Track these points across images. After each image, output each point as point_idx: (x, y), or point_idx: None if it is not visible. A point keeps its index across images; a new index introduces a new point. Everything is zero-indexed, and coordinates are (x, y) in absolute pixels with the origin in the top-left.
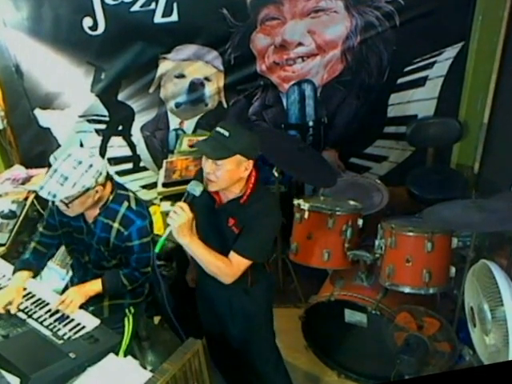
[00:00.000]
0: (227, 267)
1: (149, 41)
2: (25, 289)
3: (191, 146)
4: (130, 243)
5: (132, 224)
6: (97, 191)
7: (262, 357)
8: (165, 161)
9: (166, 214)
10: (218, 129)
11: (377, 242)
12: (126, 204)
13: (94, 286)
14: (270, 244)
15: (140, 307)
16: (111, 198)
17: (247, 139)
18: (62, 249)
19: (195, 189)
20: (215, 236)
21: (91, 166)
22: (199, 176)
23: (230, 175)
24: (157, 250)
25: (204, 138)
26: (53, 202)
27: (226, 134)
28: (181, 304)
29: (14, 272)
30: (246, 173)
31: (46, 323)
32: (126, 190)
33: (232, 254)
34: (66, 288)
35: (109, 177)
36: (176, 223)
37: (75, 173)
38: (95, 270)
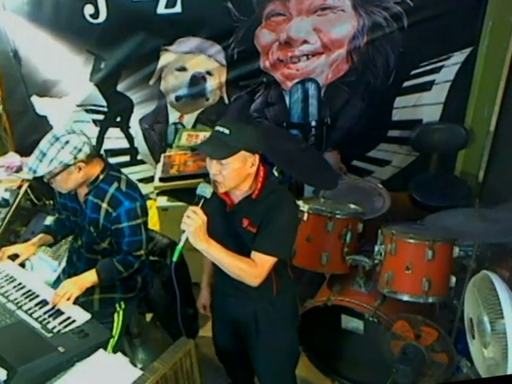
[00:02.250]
0: (251, 268)
1: (151, 31)
2: (22, 263)
3: (192, 149)
4: (120, 225)
5: (120, 205)
6: (79, 168)
7: (281, 374)
8: (163, 155)
9: (161, 209)
10: (218, 128)
11: (376, 248)
12: (115, 185)
13: (90, 277)
14: (291, 238)
15: (132, 303)
16: (102, 177)
17: (249, 134)
18: None
19: (205, 191)
20: (231, 241)
21: (67, 142)
22: (207, 178)
23: (237, 173)
24: (174, 258)
25: (204, 139)
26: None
27: (227, 131)
28: (174, 302)
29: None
30: (253, 168)
31: (35, 315)
32: (120, 172)
33: (254, 254)
34: (57, 280)
35: (97, 155)
36: (191, 227)
37: (52, 149)
38: (87, 254)
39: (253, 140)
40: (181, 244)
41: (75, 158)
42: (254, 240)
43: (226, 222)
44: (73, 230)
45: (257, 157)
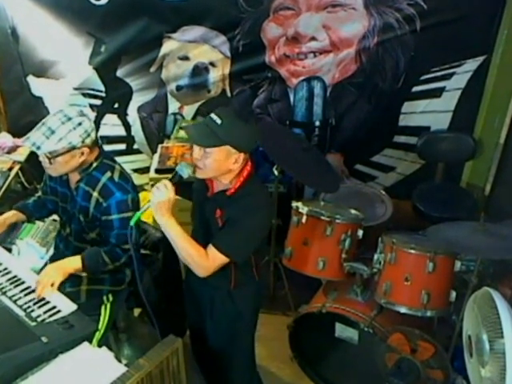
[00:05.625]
0: (201, 258)
1: (154, 17)
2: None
3: (181, 128)
4: (109, 217)
5: (111, 196)
6: (82, 153)
7: (235, 363)
8: (160, 145)
9: None
10: (212, 115)
11: (376, 256)
12: (108, 174)
13: (74, 263)
14: (251, 245)
15: (120, 296)
16: (95, 165)
17: (240, 131)
18: (44, 226)
19: (184, 170)
20: (203, 225)
21: (80, 124)
22: None
23: (217, 165)
24: (132, 222)
25: (196, 122)
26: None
27: (219, 121)
28: (164, 298)
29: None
30: (235, 165)
31: (20, 302)
32: (114, 161)
33: (209, 246)
34: (44, 267)
35: (97, 143)
36: (156, 199)
37: (63, 128)
38: (76, 242)
39: (242, 138)
40: (141, 210)
41: (83, 141)
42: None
43: (205, 207)
44: (50, 213)
45: (242, 155)
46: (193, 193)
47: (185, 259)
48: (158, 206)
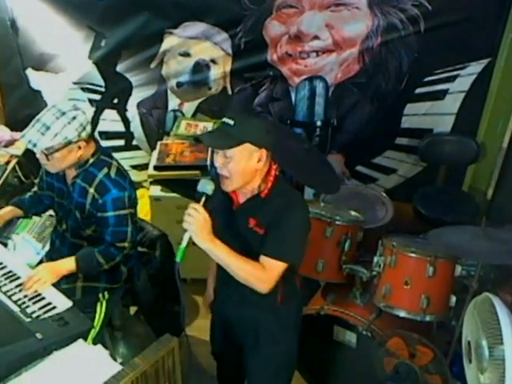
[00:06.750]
0: (261, 272)
1: (156, 12)
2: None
3: (196, 140)
4: (105, 214)
5: (107, 192)
6: (79, 147)
7: None
8: (159, 142)
9: (154, 199)
10: (224, 119)
11: (375, 259)
12: (105, 170)
13: (68, 265)
14: (303, 244)
15: (116, 294)
16: (92, 161)
17: (255, 126)
18: (41, 221)
19: (206, 187)
20: (235, 241)
21: (74, 118)
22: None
23: (242, 168)
24: (178, 259)
25: (210, 129)
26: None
27: (231, 122)
28: (161, 296)
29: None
30: (260, 164)
31: (14, 298)
32: (111, 157)
33: (263, 258)
34: (39, 263)
35: (94, 138)
36: (194, 227)
37: (57, 123)
38: (72, 238)
39: (258, 133)
40: (183, 244)
41: (79, 135)
42: (260, 242)
43: (231, 221)
44: (47, 209)
45: (264, 152)
46: (211, 214)
47: (243, 278)
48: (197, 231)
